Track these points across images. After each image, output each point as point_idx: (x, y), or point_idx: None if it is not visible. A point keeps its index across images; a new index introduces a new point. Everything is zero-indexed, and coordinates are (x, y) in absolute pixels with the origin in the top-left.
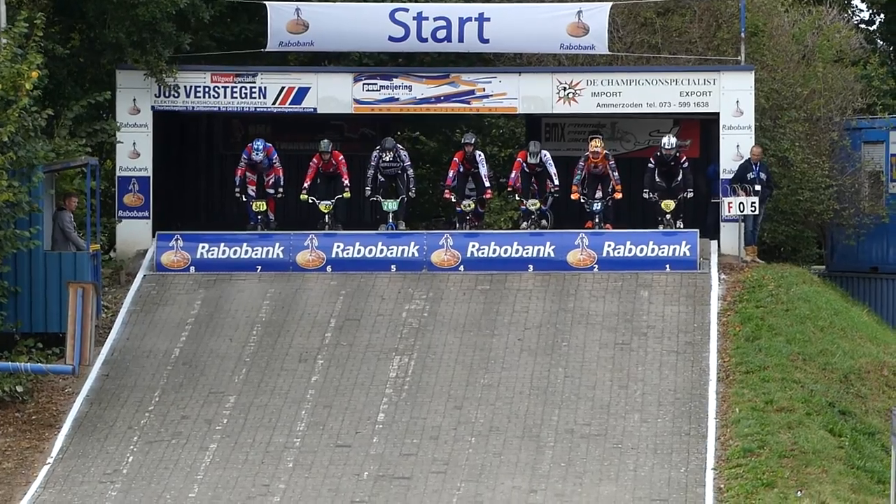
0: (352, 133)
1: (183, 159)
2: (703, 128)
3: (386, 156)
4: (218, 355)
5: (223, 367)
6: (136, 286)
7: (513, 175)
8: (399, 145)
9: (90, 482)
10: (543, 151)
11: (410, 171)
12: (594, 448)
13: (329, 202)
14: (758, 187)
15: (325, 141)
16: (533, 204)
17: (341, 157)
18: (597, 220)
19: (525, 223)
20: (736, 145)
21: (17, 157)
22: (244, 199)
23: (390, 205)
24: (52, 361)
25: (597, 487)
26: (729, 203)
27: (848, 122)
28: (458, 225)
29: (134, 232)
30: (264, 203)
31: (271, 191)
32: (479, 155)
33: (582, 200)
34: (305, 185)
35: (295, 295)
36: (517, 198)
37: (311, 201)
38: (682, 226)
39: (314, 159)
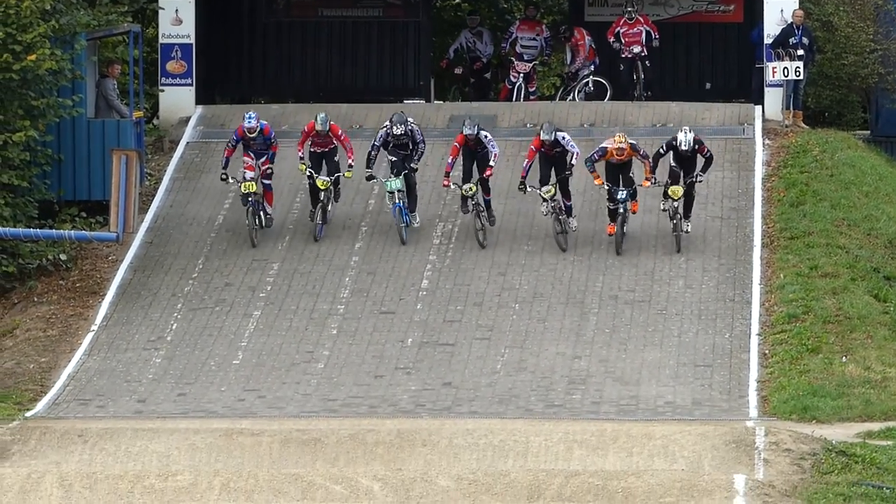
0: None
1: (225, 26)
2: None
3: (396, 129)
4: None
5: (267, 234)
6: (180, 153)
7: (525, 164)
8: (411, 120)
9: (134, 349)
10: (562, 134)
11: (422, 146)
12: (638, 314)
13: (327, 178)
14: (800, 52)
15: (322, 115)
16: (548, 191)
17: (341, 131)
18: (621, 211)
19: (543, 207)
20: (780, 9)
21: (59, 24)
22: (229, 181)
23: (394, 183)
24: (95, 229)
25: (641, 353)
26: (773, 68)
27: None
28: (464, 210)
29: (177, 99)
30: (253, 184)
31: (267, 181)
32: (487, 136)
33: (606, 187)
34: (300, 152)
35: None
36: (529, 188)
37: (308, 173)
38: (689, 229)
39: (306, 127)
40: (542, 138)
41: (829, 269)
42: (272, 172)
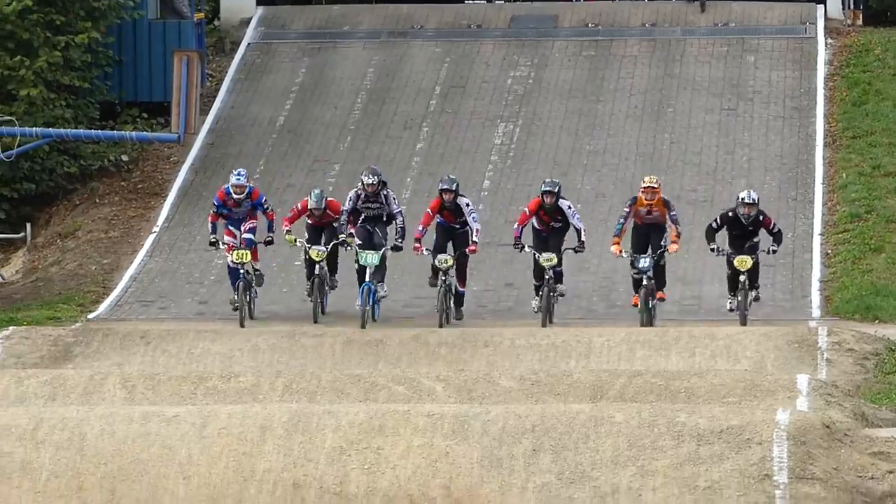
0: None
1: None
2: None
3: (367, 178)
4: (322, 123)
5: (328, 135)
6: (241, 54)
7: (516, 227)
8: (386, 184)
9: (196, 250)
10: (567, 203)
11: (401, 219)
12: (700, 214)
13: (322, 248)
14: None
15: (317, 192)
16: (548, 259)
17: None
18: (644, 283)
19: (535, 303)
20: None
21: None
22: (220, 247)
23: (369, 258)
24: (156, 130)
25: (703, 254)
26: None
27: None
28: (432, 283)
29: (238, 0)
30: (248, 252)
31: (249, 235)
32: (466, 203)
33: (625, 256)
34: (286, 226)
35: (399, 62)
36: (527, 247)
37: (298, 243)
38: (758, 295)
39: (299, 204)
40: (543, 190)
41: (891, 169)
42: (271, 239)
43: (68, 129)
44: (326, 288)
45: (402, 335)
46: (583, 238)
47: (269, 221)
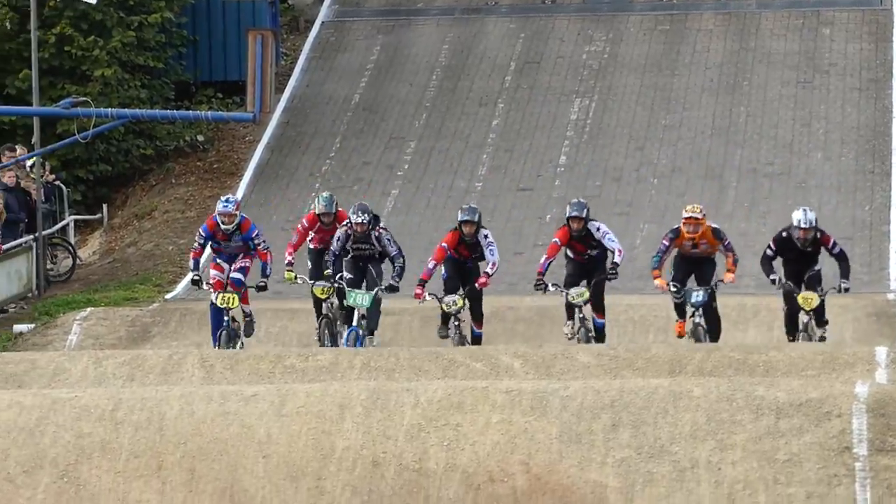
0: None
1: None
2: None
3: (357, 217)
4: (398, 100)
5: (403, 112)
6: (315, 32)
7: (542, 260)
8: (380, 223)
9: (273, 230)
10: (596, 224)
11: (401, 260)
12: (778, 187)
13: (327, 283)
14: None
15: (326, 195)
16: (579, 295)
17: None
18: (697, 321)
19: (568, 325)
20: None
21: None
22: (203, 286)
23: (358, 298)
24: (232, 110)
25: (781, 224)
26: None
27: None
28: (441, 334)
29: None
30: (236, 297)
31: (238, 275)
32: (485, 235)
33: (672, 290)
34: (289, 256)
35: (474, 38)
36: (552, 286)
37: (299, 281)
38: (826, 334)
39: (304, 220)
40: (569, 214)
41: None
42: (264, 284)
43: (143, 110)
44: (337, 330)
45: None
46: (616, 259)
47: (262, 263)
